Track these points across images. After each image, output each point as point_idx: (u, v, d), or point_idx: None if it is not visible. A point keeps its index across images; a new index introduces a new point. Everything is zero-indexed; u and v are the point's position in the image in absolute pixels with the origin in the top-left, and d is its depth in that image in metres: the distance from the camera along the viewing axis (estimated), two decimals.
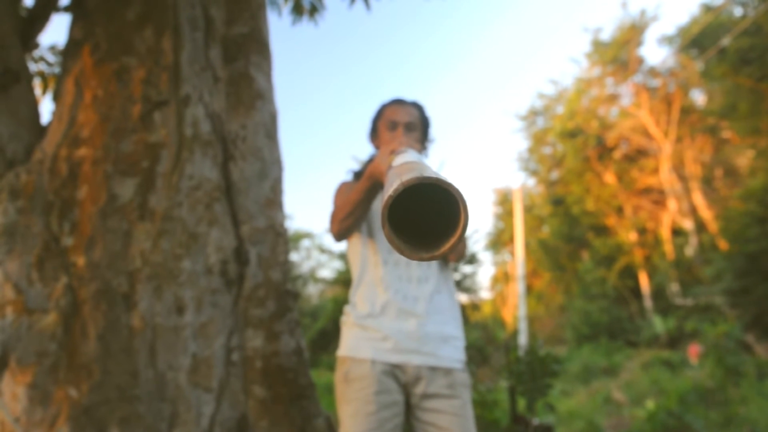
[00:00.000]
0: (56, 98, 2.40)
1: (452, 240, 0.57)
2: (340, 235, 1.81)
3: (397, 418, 1.68)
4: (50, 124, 2.33)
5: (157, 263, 2.10)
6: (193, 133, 2.29)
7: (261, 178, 2.45)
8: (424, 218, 0.68)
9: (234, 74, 2.55)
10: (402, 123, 1.89)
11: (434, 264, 1.81)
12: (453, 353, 1.76)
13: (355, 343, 1.76)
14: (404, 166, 0.67)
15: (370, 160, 1.91)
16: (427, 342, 1.72)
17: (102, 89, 2.26)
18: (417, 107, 1.97)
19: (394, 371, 1.71)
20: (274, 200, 2.47)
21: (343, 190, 1.94)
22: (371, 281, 1.80)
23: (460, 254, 1.82)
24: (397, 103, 1.96)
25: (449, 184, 0.54)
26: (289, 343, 2.31)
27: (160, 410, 1.98)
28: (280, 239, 2.44)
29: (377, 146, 1.97)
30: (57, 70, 3.31)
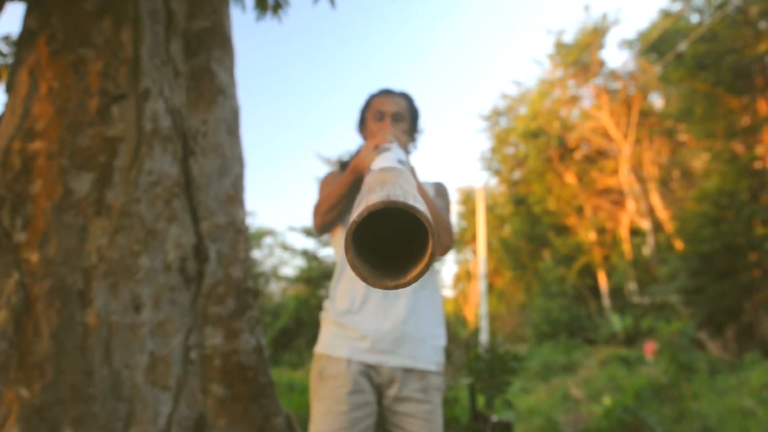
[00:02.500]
0: (9, 90, 2.33)
1: (419, 268, 0.55)
2: (322, 227, 1.79)
3: (369, 418, 1.67)
4: (3, 116, 2.27)
5: (113, 260, 2.06)
6: (153, 127, 2.25)
7: (222, 175, 2.42)
8: (392, 240, 0.66)
9: (195, 69, 2.52)
10: (389, 113, 1.86)
11: None
12: (430, 354, 1.75)
13: (332, 341, 1.74)
14: (378, 176, 0.65)
15: (359, 152, 1.89)
16: (404, 343, 1.70)
17: (58, 81, 2.20)
18: (405, 97, 1.94)
19: (369, 372, 1.69)
20: (234, 197, 2.45)
21: (328, 181, 1.92)
22: (352, 276, 1.77)
23: (446, 248, 1.78)
24: (385, 93, 1.93)
25: (417, 210, 0.51)
26: (249, 341, 2.29)
27: (115, 409, 1.94)
28: (241, 236, 2.42)
29: (365, 137, 1.95)
30: (10, 60, 3.22)
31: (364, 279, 0.55)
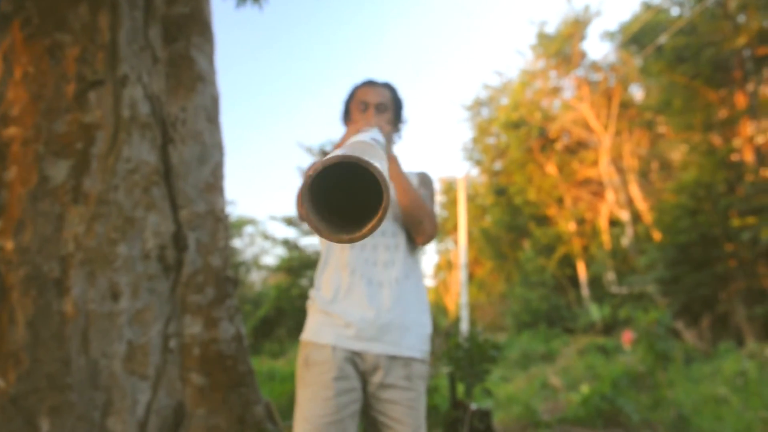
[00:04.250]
0: None
1: (373, 222, 0.56)
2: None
3: (355, 404, 1.69)
4: None
5: (91, 248, 2.04)
6: (131, 114, 2.23)
7: (201, 162, 2.40)
8: (351, 199, 0.68)
9: (174, 55, 2.49)
10: (373, 104, 1.87)
11: (401, 247, 1.81)
12: (415, 342, 1.77)
13: (318, 328, 1.75)
14: (346, 145, 0.67)
15: (341, 140, 1.89)
16: (388, 331, 1.72)
17: (33, 66, 2.16)
18: (389, 88, 1.95)
19: (354, 358, 1.71)
20: (214, 185, 2.43)
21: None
22: (336, 265, 1.79)
23: (429, 237, 1.80)
24: (369, 84, 1.93)
25: (370, 164, 0.53)
26: (228, 329, 2.28)
27: (93, 398, 1.93)
28: (220, 225, 2.40)
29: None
30: None
31: (319, 232, 0.57)
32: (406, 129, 2.03)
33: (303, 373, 1.73)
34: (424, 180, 1.96)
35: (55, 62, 2.18)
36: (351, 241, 0.57)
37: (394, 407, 1.70)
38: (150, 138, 2.27)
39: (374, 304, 1.72)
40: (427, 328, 1.84)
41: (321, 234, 0.57)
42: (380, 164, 0.54)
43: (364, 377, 1.73)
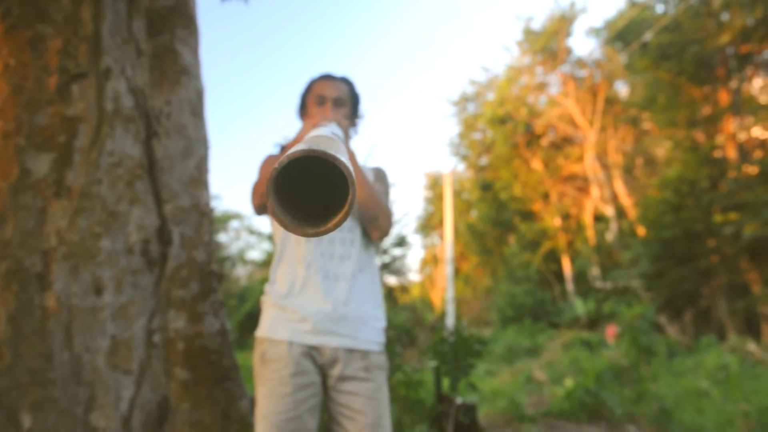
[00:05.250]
0: None
1: (339, 216, 0.56)
2: (260, 208, 1.80)
3: (314, 399, 1.69)
4: None
5: (73, 242, 2.02)
6: (114, 107, 2.21)
7: (185, 156, 2.39)
8: (317, 195, 0.68)
9: (158, 48, 2.46)
10: (330, 98, 1.87)
11: (357, 242, 1.81)
12: (371, 335, 1.78)
13: (273, 323, 1.75)
14: (308, 139, 0.66)
15: (297, 135, 1.89)
16: (345, 324, 1.73)
17: (14, 58, 2.14)
18: (346, 83, 1.95)
19: (311, 353, 1.71)
20: (198, 179, 2.42)
21: (268, 163, 1.92)
22: (292, 258, 1.79)
23: (384, 232, 1.82)
24: (326, 78, 1.94)
25: (336, 158, 0.53)
26: (213, 324, 2.27)
27: (76, 394, 1.92)
28: (205, 219, 2.39)
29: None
30: None
31: (285, 226, 0.56)
32: (363, 123, 2.03)
33: (260, 370, 1.74)
34: (380, 175, 1.97)
35: (36, 54, 2.15)
36: (316, 234, 0.57)
37: (355, 398, 1.71)
38: (134, 131, 2.25)
39: (330, 298, 1.73)
40: (382, 322, 1.86)
41: (287, 227, 0.57)
42: (345, 159, 0.55)
43: (323, 371, 1.75)
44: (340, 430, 1.71)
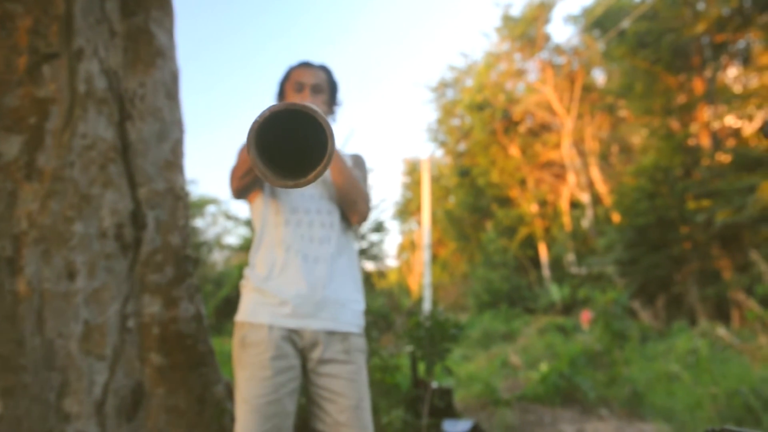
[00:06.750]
0: None
1: (318, 168, 0.57)
2: (238, 192, 1.80)
3: (294, 382, 1.70)
4: None
5: (45, 226, 1.98)
6: (87, 89, 2.16)
7: (160, 140, 2.35)
8: (299, 151, 0.69)
9: (132, 29, 2.42)
10: (308, 85, 1.89)
11: (336, 225, 1.82)
12: (351, 318, 1.80)
13: (253, 308, 1.76)
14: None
15: None
16: (325, 307, 1.74)
17: None
18: (324, 70, 1.97)
19: (291, 336, 1.72)
20: (173, 162, 2.39)
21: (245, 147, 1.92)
22: (271, 242, 1.79)
23: (363, 216, 1.84)
24: (305, 65, 1.96)
25: (315, 112, 0.54)
26: (188, 309, 2.26)
27: (48, 380, 1.89)
28: (180, 203, 2.37)
29: None
30: None
31: (265, 177, 0.58)
32: (341, 111, 2.05)
33: (240, 354, 1.75)
34: (358, 161, 2.00)
35: (5, 33, 2.09)
36: (296, 186, 0.58)
37: (335, 381, 1.73)
38: (107, 114, 2.21)
39: (310, 280, 1.74)
40: (361, 305, 1.88)
41: (267, 179, 0.58)
42: (321, 111, 0.57)
43: (303, 354, 1.76)
44: (321, 413, 1.72)
